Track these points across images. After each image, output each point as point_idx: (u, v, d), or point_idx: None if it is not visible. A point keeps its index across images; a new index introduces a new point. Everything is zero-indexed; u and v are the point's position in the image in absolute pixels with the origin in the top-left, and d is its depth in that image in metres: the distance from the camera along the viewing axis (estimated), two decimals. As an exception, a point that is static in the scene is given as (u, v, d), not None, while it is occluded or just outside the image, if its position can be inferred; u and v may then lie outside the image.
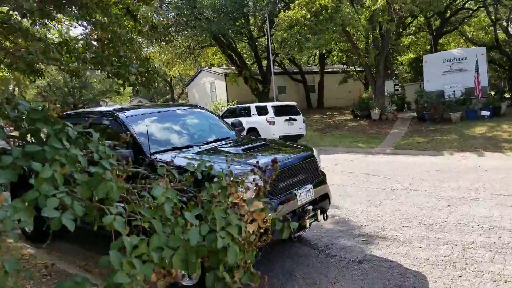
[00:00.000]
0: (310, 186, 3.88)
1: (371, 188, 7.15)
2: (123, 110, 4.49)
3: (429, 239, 4.50)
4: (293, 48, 14.82)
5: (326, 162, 10.48)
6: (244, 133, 14.44)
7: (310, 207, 3.88)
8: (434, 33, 23.96)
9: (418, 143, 12.62)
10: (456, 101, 15.21)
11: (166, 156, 3.80)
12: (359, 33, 21.74)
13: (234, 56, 23.76)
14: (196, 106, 5.43)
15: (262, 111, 13.81)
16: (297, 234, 3.70)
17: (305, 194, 3.78)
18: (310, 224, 3.92)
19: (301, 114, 14.23)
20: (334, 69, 31.27)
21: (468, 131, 13.08)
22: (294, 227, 3.45)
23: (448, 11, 21.92)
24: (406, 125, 16.11)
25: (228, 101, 26.82)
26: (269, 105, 13.80)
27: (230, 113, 15.35)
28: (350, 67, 24.99)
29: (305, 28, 14.56)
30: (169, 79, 43.06)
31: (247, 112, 14.34)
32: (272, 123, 13.33)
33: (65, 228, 1.66)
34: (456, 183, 7.10)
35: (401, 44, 23.58)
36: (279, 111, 13.81)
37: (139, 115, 4.51)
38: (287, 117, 13.65)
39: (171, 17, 20.38)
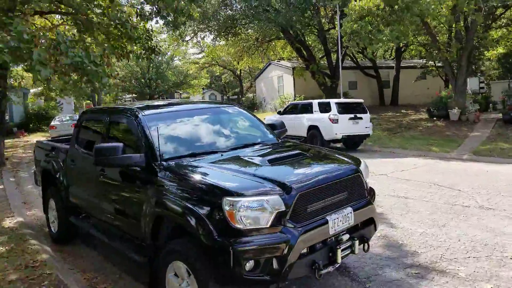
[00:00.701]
0: (349, 209, 3.24)
1: (439, 203, 6.22)
2: (145, 108, 4.15)
3: (500, 278, 3.65)
4: (364, 41, 13.75)
5: (391, 167, 9.55)
6: (303, 132, 13.82)
7: (347, 236, 3.25)
8: (531, 25, 20.95)
9: (502, 149, 11.01)
10: (554, 102, 13.06)
11: (185, 163, 3.45)
12: (441, 25, 19.74)
13: (302, 50, 23.03)
14: (231, 105, 4.95)
15: (325, 108, 13.07)
16: (325, 271, 3.03)
17: (341, 220, 3.13)
18: (344, 258, 3.27)
19: (368, 113, 13.21)
20: (412, 64, 29.01)
21: None
22: (319, 263, 2.98)
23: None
24: (489, 127, 14.23)
25: (295, 96, 26.27)
26: (332, 101, 13.00)
27: (292, 109, 14.83)
28: (430, 62, 22.91)
29: (378, 19, 13.43)
30: (238, 72, 43.52)
31: (309, 109, 13.68)
32: (335, 121, 12.53)
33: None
34: (546, 205, 5.91)
35: (490, 37, 20.95)
36: (343, 108, 12.94)
37: (162, 114, 4.13)
38: (352, 115, 12.75)
39: (238, 9, 20.22)
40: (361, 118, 12.86)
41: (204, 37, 22.75)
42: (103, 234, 4.31)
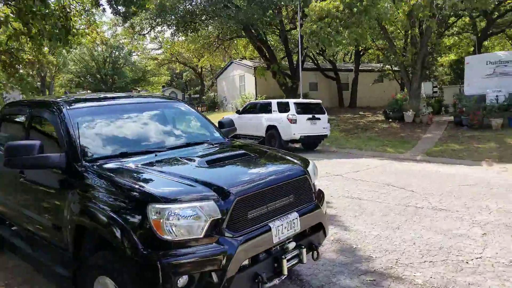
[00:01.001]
0: (295, 214, 2.95)
1: (392, 204, 6.14)
2: (73, 102, 3.65)
3: (457, 284, 3.51)
4: (323, 42, 13.74)
5: (347, 167, 9.49)
6: (262, 132, 13.59)
7: (293, 244, 2.96)
8: (479, 35, 22.02)
9: (453, 150, 11.32)
10: (498, 106, 13.65)
11: (110, 165, 3.00)
12: (397, 30, 20.27)
13: (264, 49, 22.86)
14: (175, 100, 4.56)
15: (283, 108, 12.90)
16: (270, 284, 2.71)
17: (286, 227, 2.83)
18: (291, 268, 3.00)
19: (326, 113, 13.20)
20: (370, 68, 29.75)
21: (511, 140, 11.62)
22: (262, 275, 2.64)
23: (496, 12, 20.03)
24: (442, 129, 14.69)
25: (256, 96, 26.08)
26: (291, 101, 12.86)
27: (251, 108, 14.56)
28: (387, 66, 23.51)
29: (337, 21, 13.45)
30: (199, 70, 42.78)
31: (268, 108, 13.47)
32: (293, 121, 12.39)
33: None
34: (494, 203, 5.98)
35: (443, 44, 21.83)
36: (302, 108, 12.84)
37: (91, 109, 3.65)
38: (310, 116, 12.66)
39: (198, 3, 19.68)
40: (319, 118, 12.81)
41: (161, 31, 21.86)
42: (26, 244, 3.81)
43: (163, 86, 70.14)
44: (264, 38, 22.77)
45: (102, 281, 2.64)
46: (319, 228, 3.31)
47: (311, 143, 13.63)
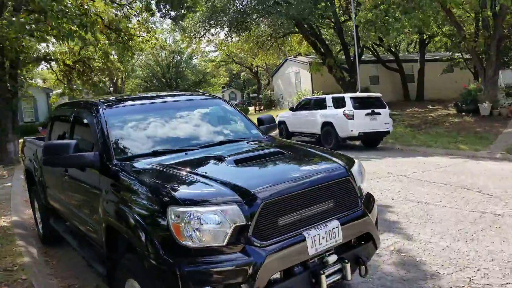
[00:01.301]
0: (335, 223, 2.52)
1: (466, 211, 5.29)
2: (110, 102, 3.63)
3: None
4: (380, 31, 12.74)
5: (412, 167, 8.59)
6: (316, 129, 12.94)
7: (334, 256, 2.51)
8: None
9: (541, 147, 9.82)
10: None
11: (140, 164, 2.89)
12: (467, 14, 18.38)
13: (318, 43, 22.03)
14: (213, 98, 4.30)
15: (339, 103, 12.16)
16: None
17: (324, 237, 2.42)
18: (332, 285, 2.52)
19: (387, 107, 12.21)
20: (437, 57, 27.50)
21: None
22: None
23: None
24: (526, 123, 12.95)
25: (313, 92, 25.34)
26: (347, 96, 12.07)
27: (305, 104, 13.98)
28: (456, 54, 21.49)
29: (394, 7, 12.37)
30: (255, 69, 42.80)
31: (323, 104, 12.80)
32: (350, 117, 11.61)
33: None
34: None
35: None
36: (359, 103, 11.99)
37: (127, 108, 3.60)
38: (368, 111, 11.78)
39: (249, 3, 19.43)
40: (379, 113, 11.87)
41: (216, 33, 22.01)
42: (74, 239, 3.93)
43: (223, 87, 71.67)
44: (318, 32, 21.93)
45: (131, 284, 2.54)
46: (368, 239, 2.84)
47: (371, 140, 12.72)
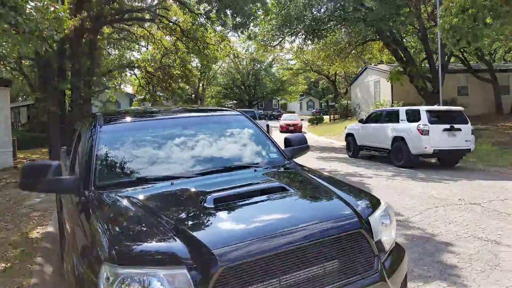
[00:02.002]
0: None
1: (550, 257, 4.29)
2: (113, 116, 3.41)
3: None
4: (466, 37, 11.38)
5: (490, 193, 7.42)
6: (387, 144, 11.84)
7: None
8: None
9: None
10: None
11: (112, 195, 2.53)
12: None
13: (399, 51, 20.62)
14: (231, 113, 3.81)
15: (413, 116, 11.09)
16: None
17: None
18: None
19: (469, 123, 10.83)
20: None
21: None
22: None
23: None
24: None
25: (392, 102, 23.83)
26: (422, 109, 10.95)
27: (376, 117, 13.05)
28: None
29: (484, 11, 10.95)
30: (332, 78, 41.71)
31: (395, 117, 11.80)
32: (425, 132, 10.50)
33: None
34: None
35: None
36: (437, 117, 10.82)
37: (128, 124, 3.30)
38: (447, 126, 10.56)
39: (325, 10, 18.87)
40: (459, 129, 10.57)
41: (292, 41, 21.77)
42: None
43: (301, 95, 71.36)
44: (400, 39, 20.54)
45: None
46: None
47: (449, 159, 11.41)
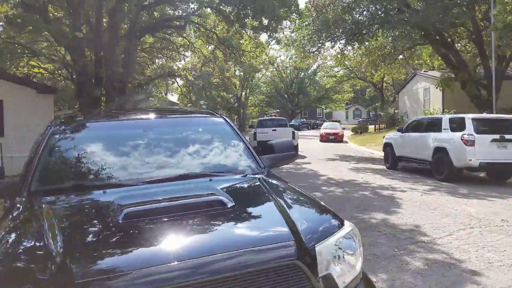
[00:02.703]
0: None
1: None
2: (73, 119, 3.16)
3: None
4: (521, 37, 10.15)
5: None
6: (427, 156, 10.78)
7: None
8: None
9: None
10: None
11: (44, 201, 2.25)
12: None
13: (450, 55, 19.16)
14: (211, 115, 3.42)
15: (458, 125, 10.02)
16: None
17: None
18: None
19: (523, 133, 9.59)
20: None
21: None
22: None
23: None
24: None
25: (443, 111, 22.26)
26: (468, 117, 9.85)
27: (417, 125, 12.03)
28: None
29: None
30: (379, 86, 40.03)
31: (437, 126, 10.76)
32: (470, 143, 9.42)
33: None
34: None
35: None
36: (485, 126, 9.69)
37: (81, 126, 3.02)
38: (496, 136, 9.40)
39: (367, 13, 17.95)
40: (511, 140, 9.38)
41: (332, 47, 21.06)
42: None
43: (347, 104, 69.51)
44: (451, 43, 19.09)
45: None
46: None
47: (499, 173, 10.17)
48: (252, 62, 20.48)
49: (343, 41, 19.76)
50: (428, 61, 27.71)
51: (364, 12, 18.45)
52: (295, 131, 18.76)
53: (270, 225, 1.92)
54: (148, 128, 2.98)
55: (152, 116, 3.28)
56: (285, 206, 2.07)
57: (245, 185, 2.57)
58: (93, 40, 12.12)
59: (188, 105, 26.73)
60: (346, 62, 28.88)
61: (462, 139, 9.57)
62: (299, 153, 21.45)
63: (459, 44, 24.25)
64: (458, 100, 20.94)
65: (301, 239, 1.74)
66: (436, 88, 21.57)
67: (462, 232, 5.44)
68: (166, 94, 40.86)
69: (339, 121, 60.79)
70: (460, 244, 4.90)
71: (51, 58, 17.57)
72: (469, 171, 10.22)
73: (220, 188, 2.32)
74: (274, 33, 13.95)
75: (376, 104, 45.73)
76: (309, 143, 26.74)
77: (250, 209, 2.15)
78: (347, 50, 20.66)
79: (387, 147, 13.15)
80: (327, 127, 30.32)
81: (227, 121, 3.26)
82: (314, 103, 58.81)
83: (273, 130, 18.34)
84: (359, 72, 37.93)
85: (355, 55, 23.54)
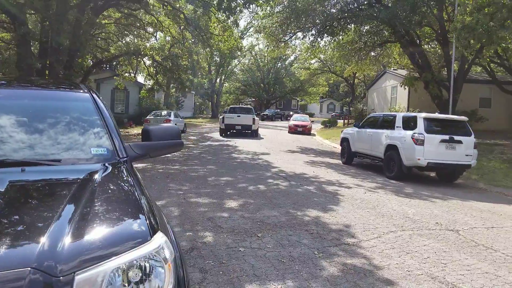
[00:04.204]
0: None
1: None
2: None
3: None
4: (479, 39, 10.05)
5: (480, 218, 6.28)
6: (380, 153, 10.73)
7: None
8: None
9: None
10: None
11: None
12: None
13: (417, 55, 19.21)
14: (73, 88, 2.94)
15: (410, 123, 9.90)
16: None
17: None
18: None
19: (472, 135, 9.57)
20: None
21: None
22: None
23: None
24: None
25: (408, 109, 22.42)
26: (420, 116, 9.74)
27: (372, 122, 11.88)
28: None
29: (504, 10, 9.61)
30: (351, 81, 40.16)
31: (391, 123, 10.63)
32: (420, 142, 9.31)
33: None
34: None
35: None
36: (436, 126, 9.61)
37: None
38: (446, 137, 9.33)
39: (336, 4, 17.63)
40: (459, 142, 9.33)
41: (304, 37, 20.62)
42: None
43: (322, 97, 69.78)
44: (418, 42, 19.12)
45: None
46: None
47: (448, 174, 10.16)
48: (221, 46, 19.79)
49: (313, 32, 19.42)
50: (398, 59, 27.83)
51: (337, 5, 18.13)
52: (256, 118, 22.12)
53: (22, 242, 1.40)
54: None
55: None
56: (76, 212, 1.58)
57: (53, 182, 2.04)
58: (39, 9, 11.19)
59: (155, 87, 25.68)
60: (321, 56, 28.61)
61: (412, 138, 9.45)
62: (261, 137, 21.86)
63: (428, 46, 24.45)
64: (423, 100, 21.15)
65: (53, 266, 1.27)
66: (401, 86, 21.68)
67: (391, 235, 5.20)
68: (135, 75, 39.41)
69: (312, 114, 60.96)
70: (385, 248, 4.65)
71: (2, 25, 16.37)
72: (418, 170, 10.15)
73: (18, 182, 1.86)
74: (233, 15, 13.36)
75: (347, 99, 45.98)
76: (277, 134, 26.46)
77: (15, 218, 1.59)
78: (316, 43, 20.28)
79: (344, 141, 12.98)
80: (296, 119, 30.14)
81: (93, 98, 2.74)
82: (289, 95, 58.67)
83: (237, 116, 21.66)
84: (332, 66, 37.86)
85: (326, 48, 23.23)
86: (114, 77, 27.24)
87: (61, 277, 1.25)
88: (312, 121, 32.55)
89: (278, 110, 59.41)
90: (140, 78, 40.91)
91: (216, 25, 18.73)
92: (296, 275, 3.79)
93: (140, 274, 1.38)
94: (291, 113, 59.41)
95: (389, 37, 20.08)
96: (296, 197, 7.18)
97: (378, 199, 7.37)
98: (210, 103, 53.98)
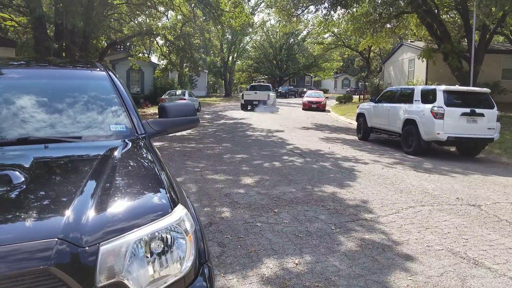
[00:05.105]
0: None
1: (541, 290, 3.12)
2: None
3: None
4: (502, 6, 9.56)
5: (503, 193, 6.09)
6: (397, 128, 10.48)
7: None
8: None
9: None
10: None
11: None
12: None
13: (435, 26, 18.51)
14: (89, 67, 2.92)
15: (428, 97, 9.62)
16: None
17: None
18: None
19: (495, 108, 9.25)
20: None
21: None
22: None
23: None
24: None
25: (426, 82, 21.87)
26: (439, 89, 9.43)
27: (389, 96, 11.60)
28: None
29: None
30: (366, 55, 39.19)
31: (409, 97, 10.35)
32: (439, 116, 9.06)
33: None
34: None
35: None
36: (456, 99, 9.32)
37: None
38: (467, 110, 9.05)
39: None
40: (481, 114, 9.04)
41: (316, 10, 20.10)
42: None
43: (336, 73, 68.56)
44: (436, 11, 18.39)
45: None
46: None
47: (469, 148, 9.91)
48: (232, 22, 19.44)
49: (326, 5, 18.87)
50: (415, 30, 26.93)
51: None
52: (271, 94, 25.33)
53: (48, 215, 1.43)
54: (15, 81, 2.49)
55: (12, 64, 2.77)
56: (98, 190, 1.56)
57: (75, 158, 2.08)
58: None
59: (169, 67, 25.62)
60: (334, 29, 27.92)
61: (431, 111, 9.20)
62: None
63: (447, 15, 23.55)
64: (442, 73, 20.53)
65: (78, 237, 1.29)
66: (419, 59, 21.05)
67: (410, 210, 5.12)
68: (149, 55, 39.36)
69: (327, 90, 60.10)
70: (403, 224, 4.59)
71: (18, 9, 16.41)
72: (437, 145, 9.93)
73: (42, 159, 1.87)
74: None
75: (362, 74, 45.04)
76: (291, 111, 26.25)
77: (41, 192, 1.61)
78: (330, 16, 19.72)
79: (360, 117, 12.76)
80: (310, 95, 29.77)
81: (110, 76, 2.73)
82: (303, 71, 57.78)
83: (255, 92, 25.18)
84: (346, 40, 36.96)
85: (340, 21, 22.60)
86: (129, 58, 27.23)
87: (86, 248, 1.28)
88: (327, 97, 32.10)
89: (292, 87, 58.73)
90: (154, 58, 40.88)
91: (226, 1, 18.36)
92: (314, 249, 3.77)
93: (162, 246, 1.42)
94: (305, 89, 58.73)
95: (405, 8, 19.37)
96: (312, 173, 7.12)
97: (396, 175, 7.25)
98: (223, 81, 53.64)
